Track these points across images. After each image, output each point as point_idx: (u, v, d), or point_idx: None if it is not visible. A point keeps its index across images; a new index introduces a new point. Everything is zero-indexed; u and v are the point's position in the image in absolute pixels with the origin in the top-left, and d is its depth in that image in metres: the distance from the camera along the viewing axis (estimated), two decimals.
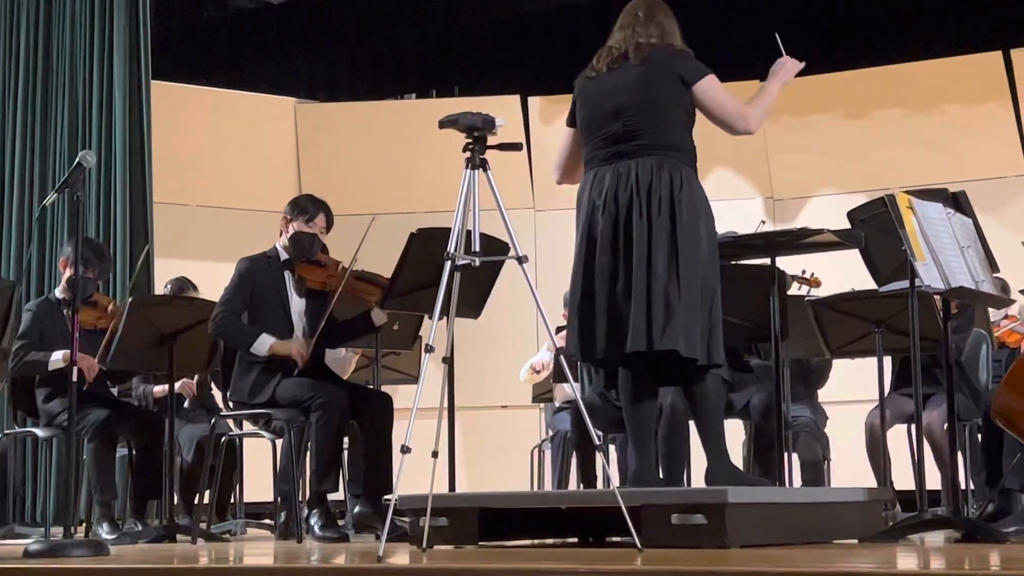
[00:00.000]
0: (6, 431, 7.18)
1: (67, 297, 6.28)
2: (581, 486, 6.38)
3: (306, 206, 5.86)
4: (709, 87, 4.54)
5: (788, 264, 6.40)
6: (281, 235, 5.88)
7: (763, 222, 7.13)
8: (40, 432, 6.46)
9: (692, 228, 4.43)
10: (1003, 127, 9.24)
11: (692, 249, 4.42)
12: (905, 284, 4.95)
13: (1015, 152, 9.19)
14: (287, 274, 5.84)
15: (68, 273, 6.31)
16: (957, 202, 4.85)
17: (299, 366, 5.64)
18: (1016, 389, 4.32)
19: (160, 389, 7.02)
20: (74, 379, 4.65)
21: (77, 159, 4.67)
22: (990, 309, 6.68)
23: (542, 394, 7.97)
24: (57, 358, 6.24)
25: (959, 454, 5.65)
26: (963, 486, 6.12)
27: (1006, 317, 7.26)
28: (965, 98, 9.36)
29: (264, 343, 5.65)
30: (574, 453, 7.11)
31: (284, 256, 5.86)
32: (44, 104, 8.89)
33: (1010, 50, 9.26)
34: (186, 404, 7.14)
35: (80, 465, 6.67)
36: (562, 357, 4.46)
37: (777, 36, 4.76)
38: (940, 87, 9.40)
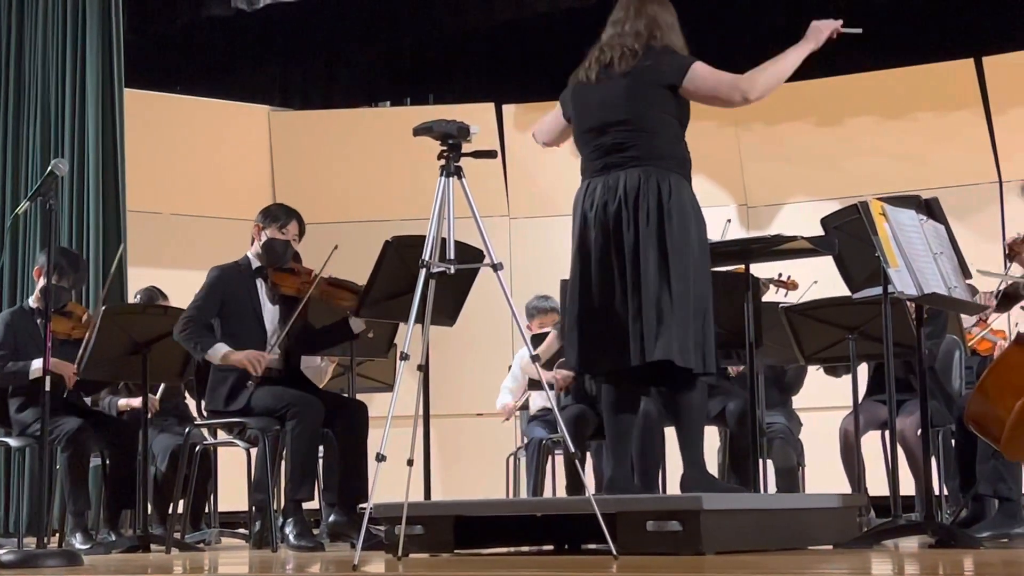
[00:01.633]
0: None
1: (41, 307, 6.25)
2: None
3: (278, 214, 5.85)
4: (697, 77, 4.49)
5: (764, 269, 6.43)
6: (253, 243, 5.86)
7: (728, 221, 7.14)
8: (13, 442, 6.42)
9: (683, 236, 4.44)
10: (975, 134, 9.29)
11: (683, 257, 4.43)
12: (878, 290, 4.98)
13: (987, 159, 9.24)
14: (259, 282, 5.82)
15: (42, 282, 6.28)
16: (930, 209, 4.88)
17: (256, 374, 5.60)
18: (988, 395, 4.34)
19: (124, 403, 7.00)
20: (47, 388, 4.62)
21: (50, 167, 4.65)
22: (963, 315, 6.72)
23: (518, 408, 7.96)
24: (37, 367, 6.18)
25: (933, 460, 5.67)
26: (937, 492, 6.15)
27: (977, 324, 7.30)
28: (937, 106, 9.41)
29: (218, 351, 5.63)
30: (548, 460, 7.14)
31: (256, 264, 5.84)
32: (16, 112, 8.84)
33: (982, 58, 9.31)
34: (150, 417, 7.09)
35: (53, 475, 6.64)
36: (537, 365, 4.46)
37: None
38: (912, 95, 9.45)
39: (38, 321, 6.31)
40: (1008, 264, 5.08)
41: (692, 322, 4.43)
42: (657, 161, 4.48)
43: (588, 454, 6.86)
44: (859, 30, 4.51)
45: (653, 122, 4.50)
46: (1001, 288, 5.11)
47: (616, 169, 4.50)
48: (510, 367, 7.82)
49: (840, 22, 4.58)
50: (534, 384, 7.21)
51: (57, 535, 6.84)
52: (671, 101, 4.52)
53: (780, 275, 6.98)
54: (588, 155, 4.61)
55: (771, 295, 6.91)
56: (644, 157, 4.48)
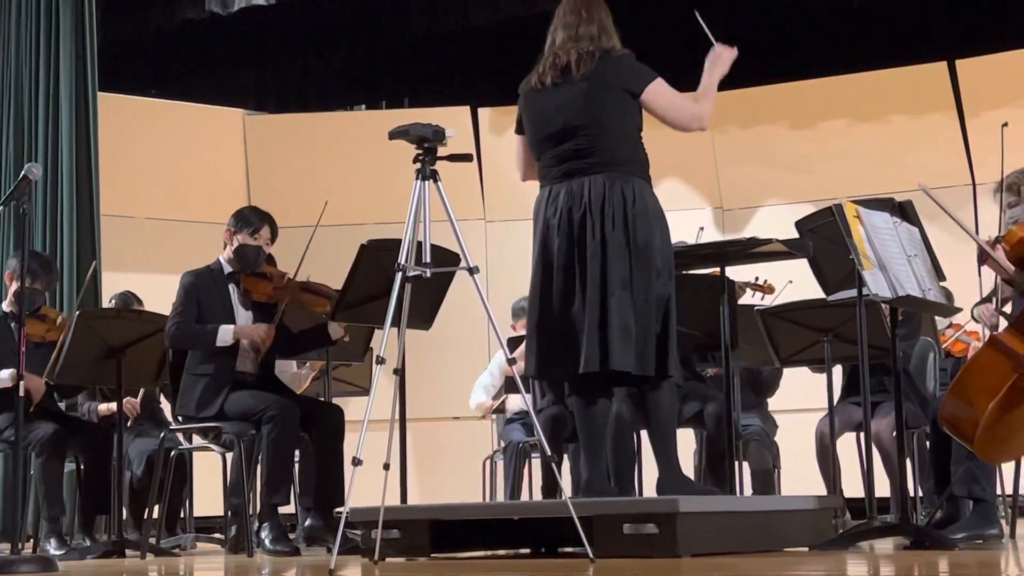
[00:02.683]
0: None
1: (14, 311, 6.21)
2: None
3: (250, 218, 5.83)
4: (657, 92, 4.54)
5: (740, 273, 6.45)
6: (225, 247, 5.84)
7: (701, 229, 7.16)
8: None
9: (647, 241, 4.45)
10: (948, 137, 9.33)
11: (646, 263, 4.44)
12: (853, 293, 4.99)
13: (960, 162, 9.28)
14: (232, 287, 5.80)
15: (15, 286, 6.25)
16: (904, 212, 4.89)
17: (261, 350, 5.61)
18: (962, 396, 4.36)
19: (105, 407, 6.97)
20: (20, 395, 4.59)
21: (23, 172, 4.63)
22: (937, 317, 6.74)
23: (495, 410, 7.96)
24: (3, 377, 6.15)
25: (907, 461, 5.70)
26: (912, 493, 6.17)
27: (951, 326, 7.33)
28: (910, 109, 9.45)
29: (227, 332, 5.63)
30: (526, 463, 7.13)
31: (228, 269, 5.82)
32: None
33: (955, 61, 9.36)
34: (129, 423, 7.05)
35: (28, 481, 6.60)
36: (514, 369, 4.45)
37: (697, 14, 4.71)
38: (886, 98, 9.48)
39: (12, 325, 6.28)
40: (980, 266, 5.09)
41: (654, 327, 4.44)
42: (619, 166, 4.49)
43: (565, 456, 6.86)
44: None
45: (614, 126, 4.51)
46: (999, 308, 5.11)
47: (579, 175, 4.50)
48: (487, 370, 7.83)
49: (735, 52, 4.74)
50: (511, 386, 7.20)
51: (32, 541, 6.80)
52: (631, 106, 4.54)
53: (757, 279, 7.00)
54: (548, 161, 4.60)
55: (747, 298, 6.92)
56: (607, 163, 4.49)
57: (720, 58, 4.71)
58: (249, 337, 5.65)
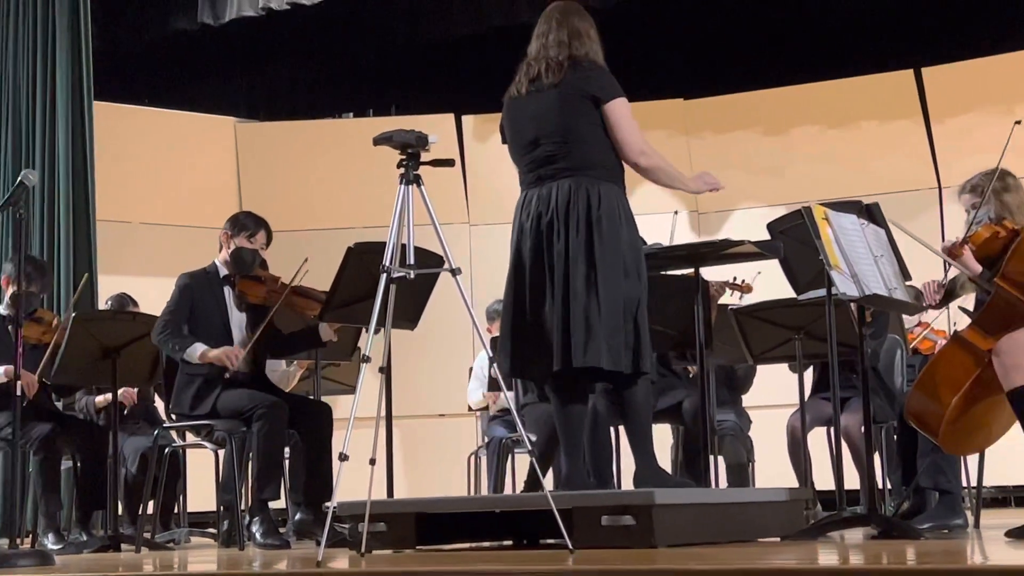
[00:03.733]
0: None
1: (11, 313, 6.19)
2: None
3: (246, 223, 5.83)
4: (616, 110, 4.52)
5: (718, 273, 6.45)
6: (221, 251, 5.84)
7: (676, 212, 7.17)
8: None
9: (612, 241, 4.44)
10: (915, 143, 9.36)
11: (612, 264, 4.43)
12: (823, 292, 5.00)
13: (926, 167, 9.31)
14: (227, 289, 5.80)
15: (12, 290, 6.23)
16: (871, 214, 4.90)
17: (231, 367, 5.60)
18: (928, 392, 4.38)
19: (102, 399, 6.95)
20: (18, 393, 4.58)
21: (19, 178, 4.62)
22: (905, 316, 6.76)
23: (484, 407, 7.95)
24: None
25: (876, 455, 5.72)
26: (880, 485, 6.19)
27: (919, 324, 7.35)
28: (878, 115, 9.48)
29: (196, 350, 5.63)
30: (508, 458, 7.13)
31: (224, 271, 5.82)
32: None
33: (921, 69, 9.39)
34: (126, 411, 7.03)
35: (26, 478, 6.58)
36: (494, 367, 4.46)
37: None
38: (854, 105, 9.51)
39: (9, 328, 6.26)
40: (947, 267, 5.12)
41: (623, 325, 4.44)
42: (587, 171, 4.49)
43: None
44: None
45: (583, 133, 4.51)
46: (945, 282, 5.14)
47: (549, 181, 4.51)
48: (471, 369, 7.82)
49: (722, 186, 4.80)
50: (493, 384, 7.21)
51: (30, 536, 6.78)
52: (596, 111, 4.53)
53: (735, 278, 7.00)
54: (523, 168, 4.62)
55: (726, 298, 6.92)
56: (575, 167, 4.49)
57: (706, 181, 4.77)
58: (216, 360, 5.63)
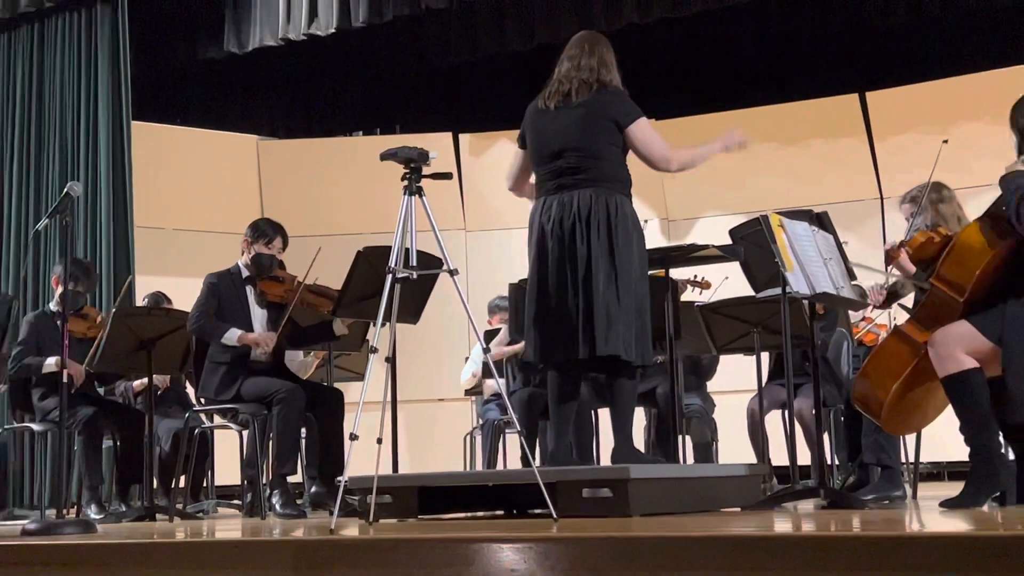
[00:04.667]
0: (6, 426, 7.06)
1: (60, 310, 6.19)
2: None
3: (265, 230, 5.83)
4: (639, 130, 4.55)
5: (682, 272, 6.46)
6: (243, 254, 5.84)
7: (646, 221, 7.18)
8: (36, 427, 6.36)
9: (627, 248, 4.47)
10: (859, 158, 9.37)
11: (627, 267, 4.46)
12: (778, 291, 5.01)
13: (870, 179, 9.33)
14: (249, 288, 5.80)
15: (61, 289, 6.22)
16: (821, 221, 4.91)
17: (266, 351, 5.60)
18: (872, 379, 4.38)
19: (139, 383, 6.96)
20: (64, 380, 4.58)
21: (66, 189, 4.61)
22: (851, 312, 6.77)
23: (473, 388, 7.96)
24: (50, 363, 6.16)
25: (825, 434, 5.73)
26: (829, 461, 6.20)
27: (864, 319, 7.36)
28: (827, 134, 9.49)
29: (233, 334, 5.63)
30: (500, 438, 7.13)
31: (246, 273, 5.82)
32: (38, 142, 8.77)
33: (865, 93, 9.41)
34: (159, 393, 7.03)
35: (71, 455, 6.57)
36: (488, 356, 4.46)
37: None
38: (806, 125, 9.52)
39: (58, 322, 6.25)
40: (888, 268, 5.13)
41: (634, 322, 4.45)
42: (604, 183, 4.51)
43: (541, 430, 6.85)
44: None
45: (602, 149, 4.52)
46: (886, 286, 5.16)
47: (570, 189, 4.51)
48: (467, 358, 7.82)
49: (748, 140, 4.81)
50: (487, 371, 7.20)
51: (75, 507, 6.77)
52: (617, 133, 4.54)
53: (696, 276, 7.02)
54: (544, 175, 4.61)
55: (688, 294, 6.93)
56: (594, 179, 4.50)
57: (731, 136, 4.77)
58: (253, 342, 5.63)
